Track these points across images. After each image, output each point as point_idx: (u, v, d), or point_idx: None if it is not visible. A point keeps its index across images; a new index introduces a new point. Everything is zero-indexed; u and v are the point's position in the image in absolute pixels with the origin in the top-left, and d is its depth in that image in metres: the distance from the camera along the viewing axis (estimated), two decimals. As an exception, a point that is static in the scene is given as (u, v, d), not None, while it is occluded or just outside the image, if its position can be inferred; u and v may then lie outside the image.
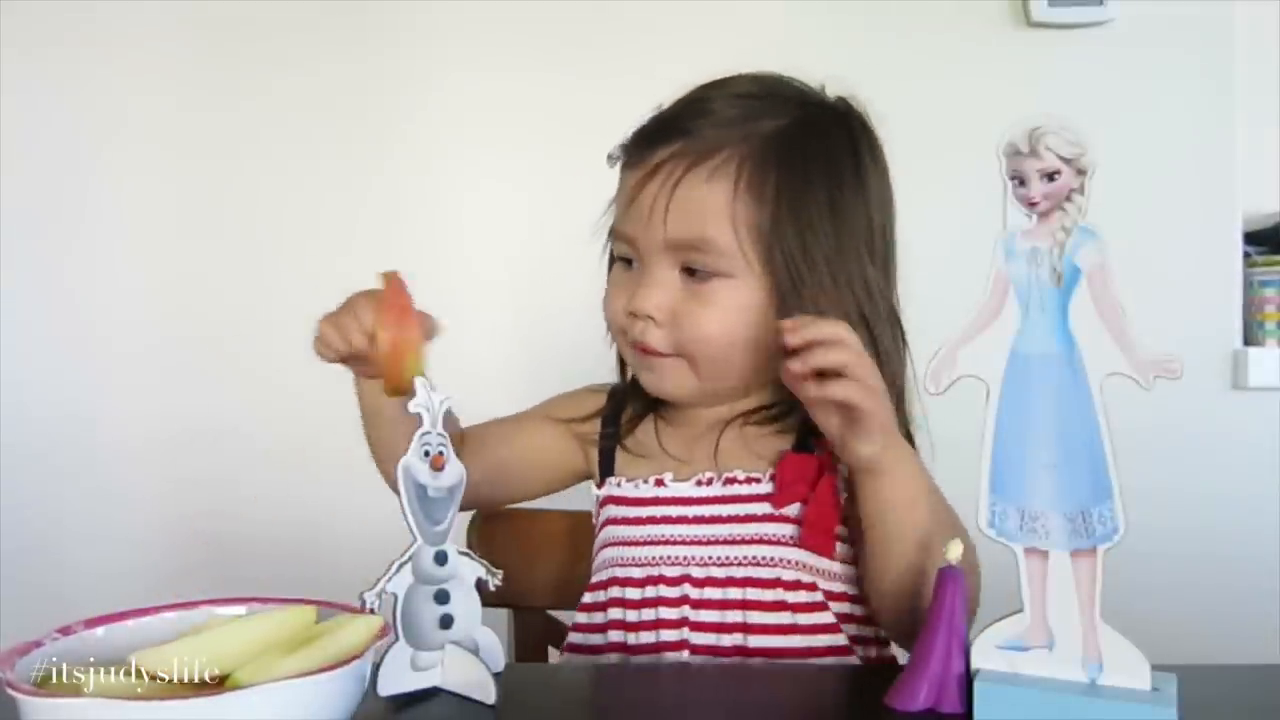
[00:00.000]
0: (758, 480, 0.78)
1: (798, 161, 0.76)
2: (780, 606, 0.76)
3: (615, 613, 0.79)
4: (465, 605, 0.66)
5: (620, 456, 0.85)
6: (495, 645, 0.67)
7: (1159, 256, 1.36)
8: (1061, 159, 0.55)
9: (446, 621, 0.65)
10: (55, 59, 1.52)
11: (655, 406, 0.85)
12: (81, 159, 1.52)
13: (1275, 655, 1.24)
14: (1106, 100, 1.42)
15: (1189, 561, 1.38)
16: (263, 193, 1.53)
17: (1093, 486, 0.56)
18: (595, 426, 0.87)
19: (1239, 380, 1.43)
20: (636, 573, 0.79)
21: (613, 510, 0.82)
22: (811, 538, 0.75)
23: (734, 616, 0.76)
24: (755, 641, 0.75)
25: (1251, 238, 1.46)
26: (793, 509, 0.76)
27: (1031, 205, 0.56)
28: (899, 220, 0.82)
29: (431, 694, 0.64)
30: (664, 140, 0.77)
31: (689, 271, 0.77)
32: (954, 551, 0.60)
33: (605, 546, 0.82)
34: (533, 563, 0.95)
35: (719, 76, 0.81)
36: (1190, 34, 1.44)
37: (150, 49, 1.52)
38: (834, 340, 0.67)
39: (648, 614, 0.78)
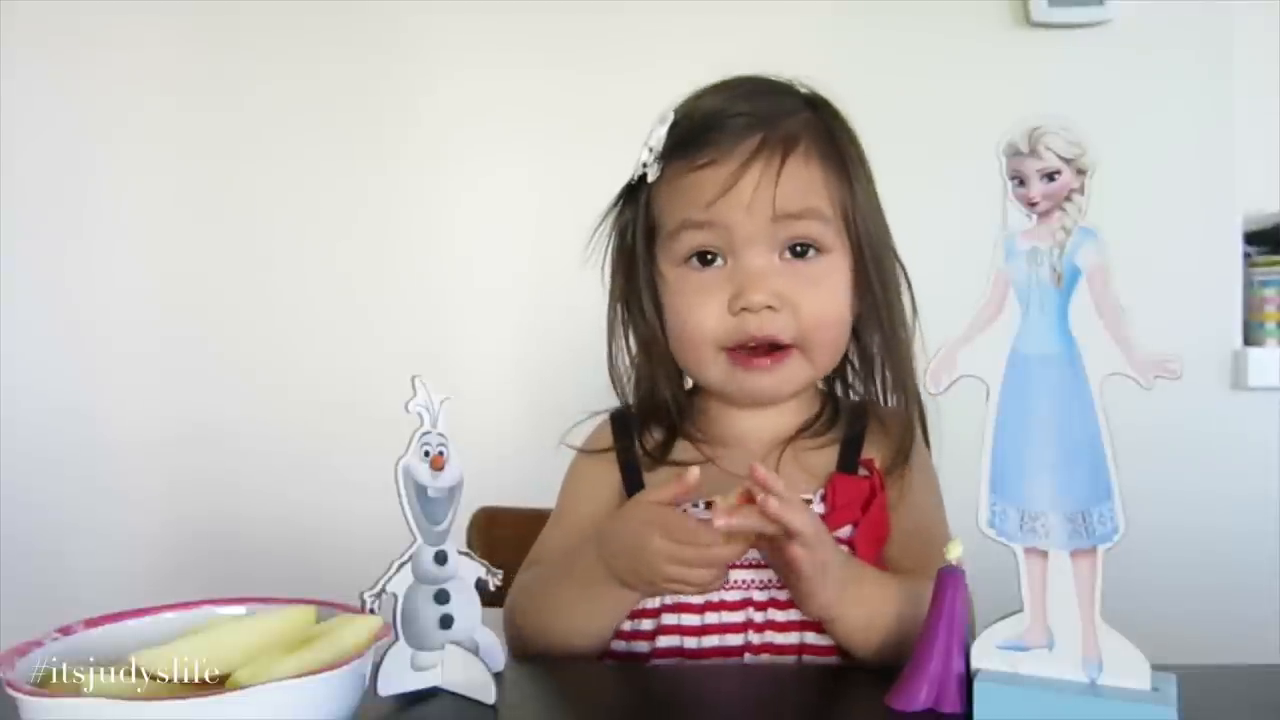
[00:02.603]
0: (808, 501, 0.76)
1: (840, 144, 0.78)
2: None
3: (666, 641, 0.77)
4: (465, 605, 0.66)
5: (662, 468, 0.81)
6: (495, 645, 0.67)
7: (1159, 256, 1.36)
8: (1061, 159, 0.55)
9: (446, 621, 0.65)
10: (56, 59, 1.52)
11: (677, 430, 0.82)
12: (82, 158, 1.52)
13: (1275, 655, 1.24)
14: (1106, 100, 1.42)
15: (1189, 561, 1.38)
16: (263, 192, 1.53)
17: (1093, 486, 0.56)
18: (618, 476, 0.83)
19: (1239, 380, 1.43)
20: (695, 599, 0.76)
21: None
22: (865, 558, 0.74)
23: (793, 638, 0.75)
24: (810, 661, 0.75)
25: (1251, 238, 1.46)
26: (843, 529, 0.75)
27: (1031, 205, 0.56)
28: (896, 219, 0.83)
29: (431, 694, 0.64)
30: (739, 134, 0.74)
31: (790, 254, 0.76)
32: (954, 551, 0.60)
33: None
34: (533, 563, 0.94)
35: (697, 91, 0.80)
36: (1190, 34, 1.44)
37: (150, 49, 1.52)
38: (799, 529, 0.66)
39: (709, 640, 0.76)
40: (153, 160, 1.53)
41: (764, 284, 0.74)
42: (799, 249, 0.76)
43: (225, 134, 1.53)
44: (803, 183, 0.75)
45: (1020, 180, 0.56)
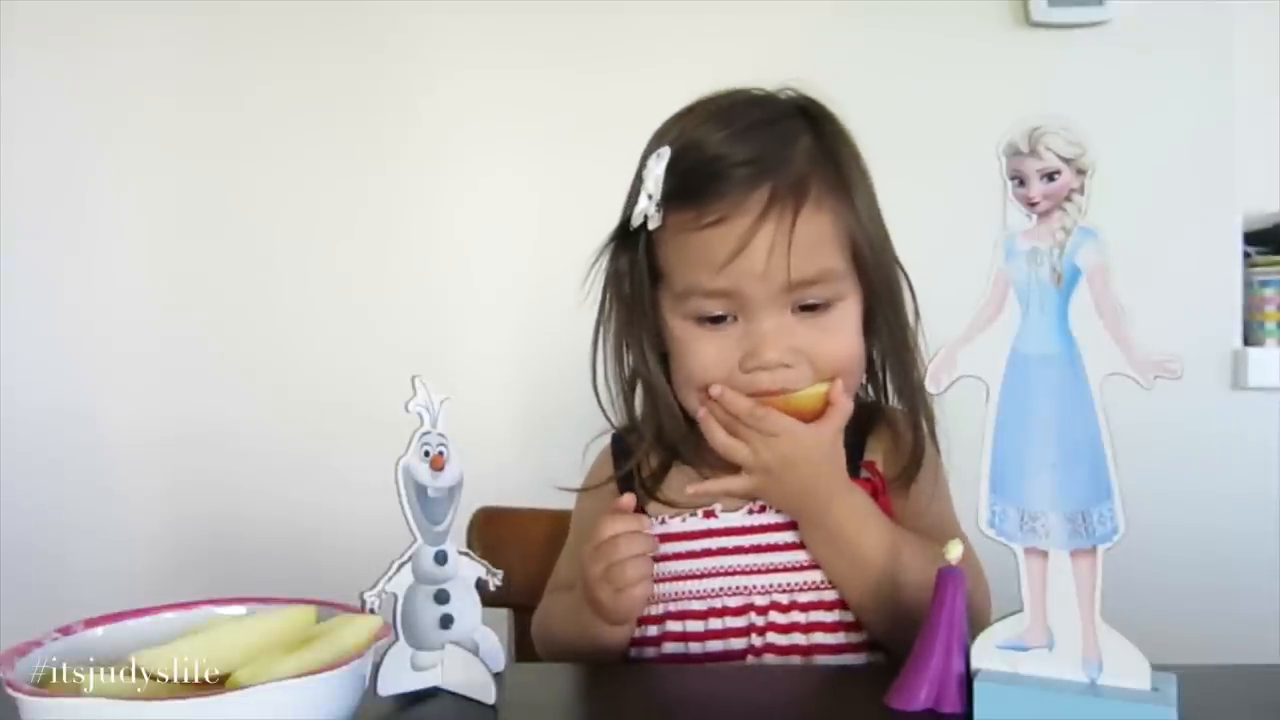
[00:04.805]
0: None
1: (843, 162, 0.76)
2: (840, 627, 0.76)
3: (670, 647, 0.78)
4: (465, 605, 0.66)
5: (653, 502, 0.82)
6: (495, 645, 0.67)
7: (1159, 256, 1.36)
8: (1061, 159, 0.55)
9: (446, 621, 0.65)
10: (56, 59, 1.52)
11: (674, 456, 0.82)
12: (82, 159, 1.52)
13: (1275, 655, 1.25)
14: (1106, 100, 1.42)
15: (1189, 561, 1.38)
16: (263, 193, 1.53)
17: (1093, 486, 0.56)
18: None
19: (1239, 380, 1.43)
20: (697, 605, 0.78)
21: (660, 548, 0.78)
22: None
23: (798, 640, 0.75)
24: (818, 662, 0.75)
25: (1251, 238, 1.46)
26: None
27: (1031, 205, 0.56)
28: (895, 221, 0.82)
29: (431, 694, 0.64)
30: (746, 186, 0.72)
31: (802, 309, 0.74)
32: (954, 552, 0.60)
33: (655, 583, 0.78)
34: (533, 563, 0.95)
35: (685, 113, 0.78)
36: (1190, 34, 1.44)
37: (150, 49, 1.52)
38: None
39: (713, 645, 0.77)
40: (153, 161, 1.53)
41: (778, 343, 0.73)
42: (811, 304, 0.75)
43: (225, 134, 1.52)
44: (815, 238, 0.72)
45: (1020, 180, 0.56)
